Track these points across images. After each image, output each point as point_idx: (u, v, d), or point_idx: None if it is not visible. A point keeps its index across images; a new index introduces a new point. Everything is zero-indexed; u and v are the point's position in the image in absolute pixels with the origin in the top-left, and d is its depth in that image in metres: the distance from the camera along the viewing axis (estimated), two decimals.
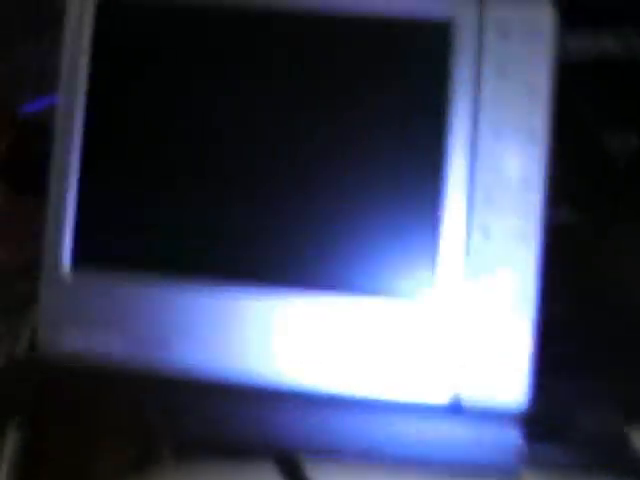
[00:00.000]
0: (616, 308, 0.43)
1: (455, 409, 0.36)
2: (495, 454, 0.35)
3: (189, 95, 0.37)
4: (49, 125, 0.39)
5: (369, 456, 0.36)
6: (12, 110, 0.59)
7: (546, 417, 0.37)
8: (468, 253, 0.35)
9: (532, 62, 0.36)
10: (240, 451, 0.39)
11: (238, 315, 0.36)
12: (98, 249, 0.37)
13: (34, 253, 0.39)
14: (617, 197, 0.45)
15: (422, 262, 0.35)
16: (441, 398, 0.36)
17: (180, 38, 0.37)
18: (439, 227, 0.35)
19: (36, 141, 0.59)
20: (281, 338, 0.36)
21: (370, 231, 0.35)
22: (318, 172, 0.35)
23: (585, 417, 0.39)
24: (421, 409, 0.35)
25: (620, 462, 0.37)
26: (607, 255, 0.45)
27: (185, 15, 0.37)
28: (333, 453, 0.37)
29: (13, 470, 0.41)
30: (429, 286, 0.35)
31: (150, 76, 0.37)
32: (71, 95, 0.37)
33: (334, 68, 0.36)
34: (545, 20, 0.36)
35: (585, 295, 0.42)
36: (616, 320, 0.42)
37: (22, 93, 0.62)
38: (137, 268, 0.37)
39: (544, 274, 0.36)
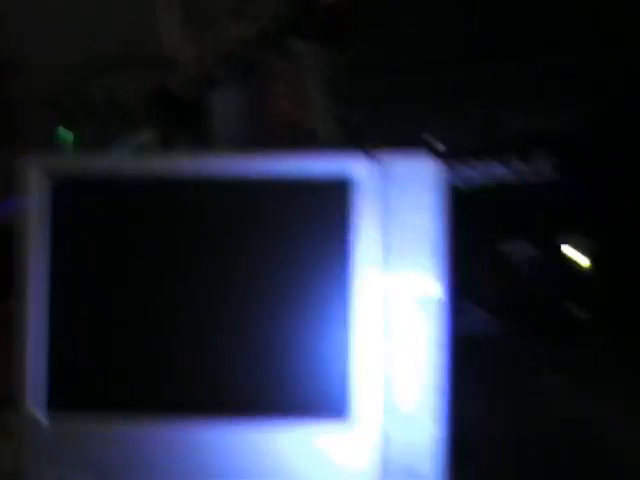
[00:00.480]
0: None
1: None
2: None
3: (135, 254, 0.43)
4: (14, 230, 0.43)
5: None
6: None
7: None
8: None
9: (422, 206, 0.42)
10: None
11: (186, 445, 0.42)
12: (68, 395, 0.43)
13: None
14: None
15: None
16: None
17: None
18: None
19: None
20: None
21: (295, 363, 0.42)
22: (242, 313, 0.42)
23: None
24: None
25: None
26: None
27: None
28: None
29: None
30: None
31: (112, 244, 0.43)
32: (35, 261, 0.43)
33: (249, 228, 0.42)
34: (428, 170, 0.42)
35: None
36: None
37: None
38: (103, 411, 0.42)
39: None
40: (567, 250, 0.50)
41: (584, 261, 0.50)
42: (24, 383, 0.43)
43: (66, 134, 0.68)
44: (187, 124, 0.60)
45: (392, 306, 0.41)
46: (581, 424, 0.47)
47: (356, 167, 0.42)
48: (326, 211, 0.42)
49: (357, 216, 0.41)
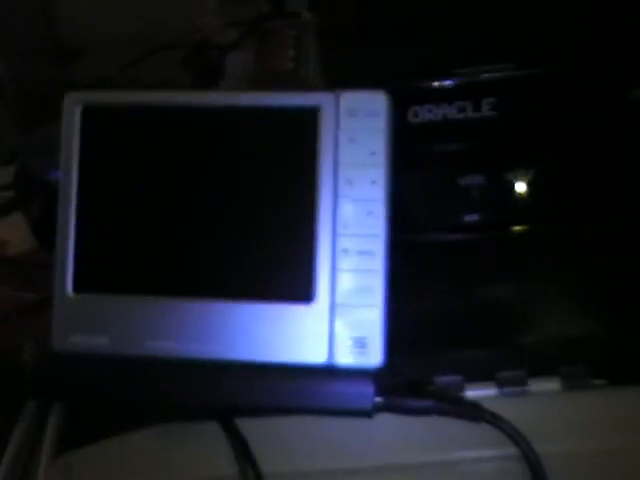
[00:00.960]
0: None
1: (329, 367, 0.52)
2: (355, 401, 0.52)
3: (146, 168, 0.55)
4: None
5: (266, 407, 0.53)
6: (42, 178, 0.70)
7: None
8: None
9: (373, 132, 0.54)
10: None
11: (192, 315, 0.54)
12: (93, 276, 0.55)
13: None
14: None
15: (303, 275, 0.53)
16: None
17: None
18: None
19: None
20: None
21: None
22: (226, 218, 0.54)
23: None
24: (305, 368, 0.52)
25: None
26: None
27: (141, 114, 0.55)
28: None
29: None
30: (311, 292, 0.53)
31: (126, 160, 0.55)
32: (68, 173, 0.55)
33: (233, 151, 0.54)
34: (381, 103, 0.54)
35: None
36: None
37: (50, 164, 0.77)
38: (121, 288, 0.55)
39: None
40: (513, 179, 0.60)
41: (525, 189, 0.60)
42: (61, 269, 0.55)
43: None
44: (210, 82, 0.72)
45: (347, 209, 0.52)
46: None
47: (321, 99, 0.53)
48: (298, 132, 0.53)
49: (322, 136, 0.52)
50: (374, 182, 0.52)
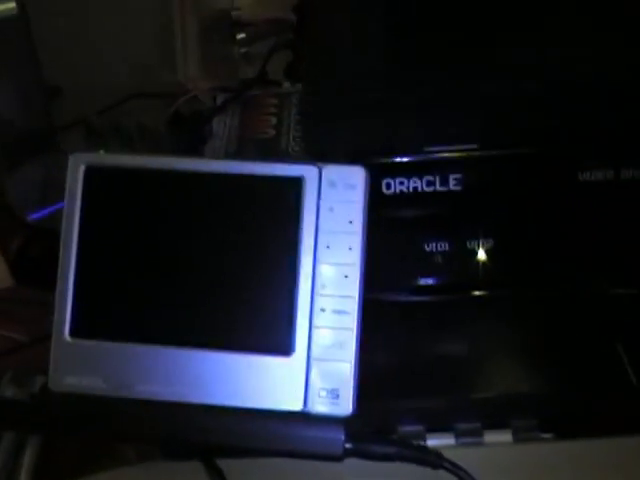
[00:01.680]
0: None
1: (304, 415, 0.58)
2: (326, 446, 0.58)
3: (148, 230, 0.60)
4: (52, 229, 0.59)
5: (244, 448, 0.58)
6: (21, 216, 0.74)
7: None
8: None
9: (351, 202, 0.60)
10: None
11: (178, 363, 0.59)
12: (89, 323, 0.61)
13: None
14: None
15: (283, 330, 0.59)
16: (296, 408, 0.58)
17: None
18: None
19: (40, 243, 0.79)
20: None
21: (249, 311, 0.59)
22: (214, 276, 0.59)
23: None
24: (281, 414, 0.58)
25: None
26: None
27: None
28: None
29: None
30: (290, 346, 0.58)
31: (123, 217, 0.60)
32: (70, 226, 0.61)
33: (223, 214, 0.60)
34: (360, 176, 0.60)
35: None
36: None
37: (30, 202, 0.78)
38: (114, 336, 0.60)
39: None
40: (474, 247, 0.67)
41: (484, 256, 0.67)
42: (59, 315, 0.60)
43: None
44: (196, 146, 0.78)
45: (325, 272, 0.58)
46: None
47: (305, 170, 0.59)
48: (283, 200, 0.59)
49: (304, 204, 0.58)
50: (351, 248, 0.58)
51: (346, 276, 0.57)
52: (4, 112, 0.94)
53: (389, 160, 0.64)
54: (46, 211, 0.81)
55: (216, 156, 0.73)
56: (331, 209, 0.58)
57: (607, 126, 0.64)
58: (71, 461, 0.67)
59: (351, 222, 0.58)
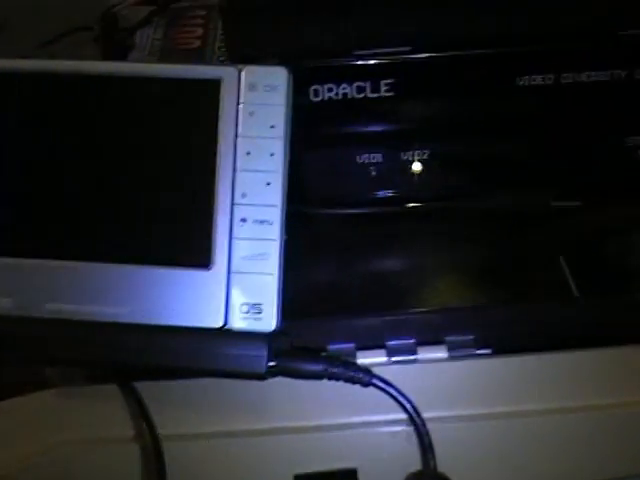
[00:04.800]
0: None
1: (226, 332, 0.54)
2: (249, 363, 0.54)
3: (55, 138, 0.56)
4: None
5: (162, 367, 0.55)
6: None
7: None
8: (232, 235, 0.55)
9: (273, 106, 0.56)
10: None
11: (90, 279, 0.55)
12: None
13: None
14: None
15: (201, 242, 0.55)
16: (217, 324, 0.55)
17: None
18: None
19: None
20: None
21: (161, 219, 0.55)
22: (126, 185, 0.55)
23: None
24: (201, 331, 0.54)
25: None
26: None
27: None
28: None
29: None
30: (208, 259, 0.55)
31: (29, 125, 0.56)
32: None
33: (137, 120, 0.56)
34: (282, 78, 0.56)
35: None
36: None
37: None
38: (23, 252, 0.56)
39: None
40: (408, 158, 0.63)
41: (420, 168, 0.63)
42: None
43: None
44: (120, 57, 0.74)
45: (246, 180, 0.54)
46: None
47: (223, 72, 0.55)
48: (200, 104, 0.55)
49: (222, 108, 0.55)
50: (273, 154, 0.54)
51: (268, 184, 0.54)
52: None
53: (316, 64, 0.60)
54: None
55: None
56: (251, 113, 0.54)
57: (545, 30, 0.59)
58: None
59: (273, 127, 0.54)
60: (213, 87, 0.55)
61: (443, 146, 0.63)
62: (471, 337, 0.58)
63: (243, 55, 0.59)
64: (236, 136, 0.54)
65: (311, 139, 0.62)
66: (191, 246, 0.54)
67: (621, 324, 0.57)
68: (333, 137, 0.63)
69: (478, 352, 0.58)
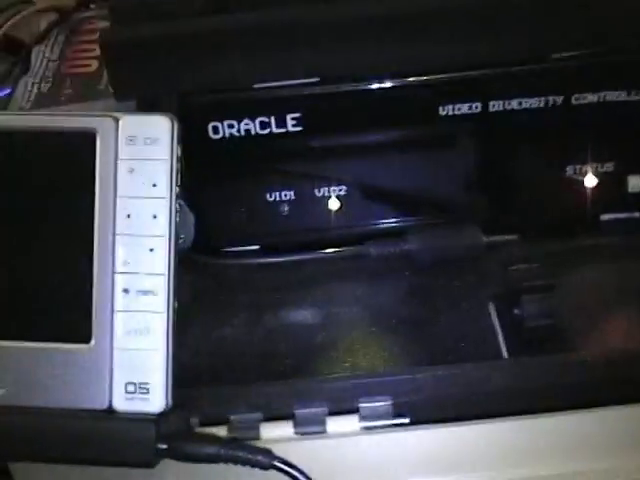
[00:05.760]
0: None
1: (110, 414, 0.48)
2: (135, 448, 0.49)
3: None
4: None
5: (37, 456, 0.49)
6: None
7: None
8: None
9: (155, 161, 0.50)
10: None
11: None
12: None
13: None
14: None
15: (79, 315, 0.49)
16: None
17: None
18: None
19: None
20: None
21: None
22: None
23: None
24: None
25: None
26: None
27: None
28: None
29: None
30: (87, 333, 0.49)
31: None
32: None
33: (8, 177, 0.49)
34: (164, 128, 0.49)
35: None
36: None
37: None
38: None
39: None
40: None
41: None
42: None
43: None
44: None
45: (126, 246, 0.48)
46: None
47: (98, 123, 0.49)
48: (74, 160, 0.49)
49: (98, 165, 0.48)
50: (155, 216, 0.48)
51: (151, 250, 0.48)
52: None
53: (213, 100, 0.53)
54: None
55: (24, 98, 0.61)
56: (131, 170, 0.48)
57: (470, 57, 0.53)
58: None
59: (155, 185, 0.48)
60: (87, 141, 0.48)
61: (361, 181, 0.57)
62: (387, 404, 0.52)
63: (127, 91, 0.52)
64: (115, 196, 0.48)
65: (214, 178, 0.55)
66: (70, 319, 0.49)
67: (556, 387, 0.51)
68: (238, 175, 0.56)
69: (394, 422, 0.52)
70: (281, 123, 0.55)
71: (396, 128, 0.56)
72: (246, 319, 0.57)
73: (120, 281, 0.49)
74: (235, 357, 0.55)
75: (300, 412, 0.52)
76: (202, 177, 0.55)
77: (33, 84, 0.63)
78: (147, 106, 0.53)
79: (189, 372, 0.51)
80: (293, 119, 0.55)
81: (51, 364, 0.49)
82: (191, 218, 0.50)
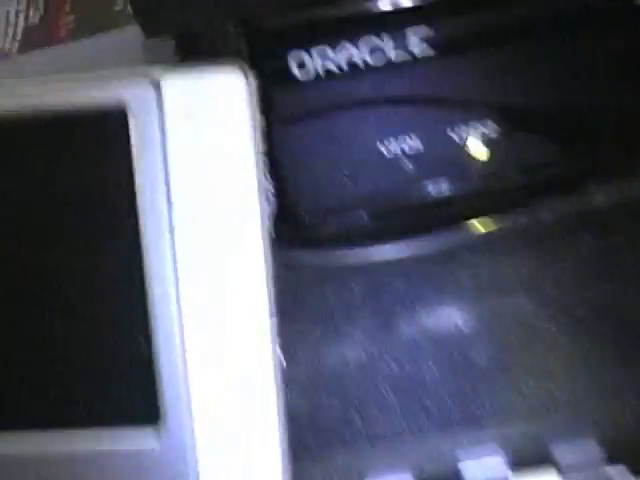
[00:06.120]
0: None
1: None
2: None
3: None
4: None
5: None
6: None
7: None
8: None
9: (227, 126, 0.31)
10: None
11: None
12: None
13: None
14: None
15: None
16: None
17: None
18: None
19: None
20: None
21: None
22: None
23: None
24: None
25: None
26: None
27: None
28: None
29: None
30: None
31: None
32: None
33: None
34: (235, 88, 0.30)
35: None
36: None
37: None
38: None
39: None
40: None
41: None
42: None
43: None
44: None
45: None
46: None
47: (125, 89, 0.30)
48: (98, 154, 0.30)
49: (133, 161, 0.30)
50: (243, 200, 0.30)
51: None
52: None
53: (295, 19, 0.34)
54: None
55: (7, 36, 0.41)
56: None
57: None
58: None
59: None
60: (111, 125, 0.29)
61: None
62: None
63: (161, 25, 0.33)
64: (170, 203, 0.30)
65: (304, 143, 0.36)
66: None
67: None
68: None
69: None
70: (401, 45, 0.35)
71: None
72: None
73: None
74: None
75: None
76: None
77: (17, 13, 0.43)
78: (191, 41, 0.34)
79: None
80: (422, 40, 0.35)
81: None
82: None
